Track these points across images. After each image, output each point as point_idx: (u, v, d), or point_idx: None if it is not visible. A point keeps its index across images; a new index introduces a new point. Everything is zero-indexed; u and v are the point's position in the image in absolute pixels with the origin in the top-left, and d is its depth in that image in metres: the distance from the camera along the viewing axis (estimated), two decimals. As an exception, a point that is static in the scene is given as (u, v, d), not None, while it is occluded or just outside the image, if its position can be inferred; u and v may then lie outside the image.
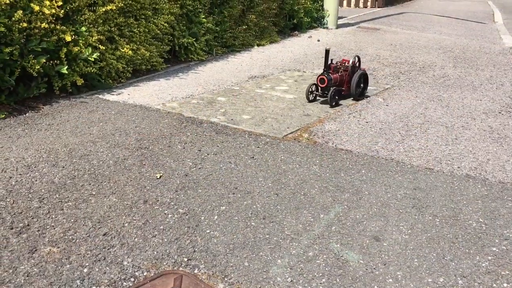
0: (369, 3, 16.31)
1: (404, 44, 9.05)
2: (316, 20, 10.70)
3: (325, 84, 4.89)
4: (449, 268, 2.44)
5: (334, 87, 4.95)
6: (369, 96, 5.40)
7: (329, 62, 5.13)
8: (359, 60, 5.30)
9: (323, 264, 2.43)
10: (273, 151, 3.78)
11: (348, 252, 2.54)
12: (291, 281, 2.30)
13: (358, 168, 3.53)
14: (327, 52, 5.04)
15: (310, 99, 5.07)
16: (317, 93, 5.09)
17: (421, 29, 11.33)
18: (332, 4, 10.62)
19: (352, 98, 5.24)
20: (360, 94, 5.28)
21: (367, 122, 4.53)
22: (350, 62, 5.18)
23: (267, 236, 2.65)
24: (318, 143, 3.98)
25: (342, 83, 5.12)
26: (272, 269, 2.39)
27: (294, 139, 4.06)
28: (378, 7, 16.24)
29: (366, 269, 2.42)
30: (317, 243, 2.61)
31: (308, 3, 10.23)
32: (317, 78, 4.94)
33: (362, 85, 5.27)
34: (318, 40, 9.04)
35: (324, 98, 5.11)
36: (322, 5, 10.76)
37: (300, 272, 2.37)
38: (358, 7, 16.14)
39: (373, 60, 7.49)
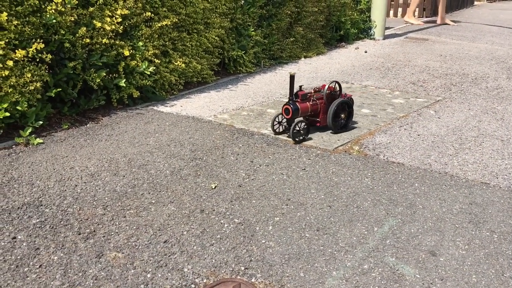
0: (416, 13, 16.07)
1: (454, 55, 8.87)
2: (363, 31, 10.65)
3: (290, 115, 4.22)
4: (508, 285, 2.40)
5: (301, 119, 4.29)
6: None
7: (298, 89, 4.38)
8: (339, 87, 4.49)
9: (379, 277, 2.44)
10: (324, 163, 3.81)
11: (404, 266, 2.54)
12: (347, 293, 2.33)
13: (411, 182, 3.52)
14: (291, 77, 4.20)
15: (277, 131, 4.39)
16: (285, 124, 4.39)
17: (472, 39, 11.07)
18: (380, 14, 10.55)
19: (331, 132, 4.48)
20: (342, 126, 4.50)
21: (418, 135, 4.49)
22: (325, 88, 4.39)
23: (322, 247, 2.69)
24: (369, 156, 3.98)
25: (316, 114, 4.42)
26: (327, 280, 2.42)
27: (345, 151, 4.08)
28: (426, 17, 15.96)
29: (423, 283, 2.41)
30: (372, 256, 2.62)
31: (355, 14, 10.22)
32: (282, 108, 4.27)
33: (342, 115, 4.46)
34: (366, 52, 9.01)
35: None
36: (369, 16, 10.71)
37: (356, 284, 2.39)
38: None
39: (422, 71, 7.39)
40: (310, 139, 4.29)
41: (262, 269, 2.50)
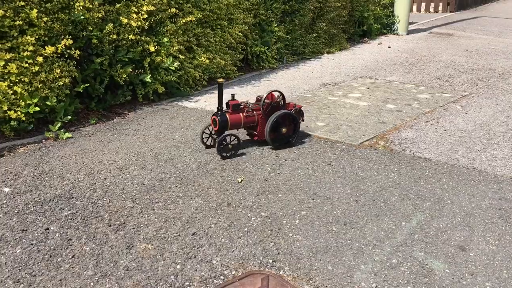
0: (440, 8, 15.82)
1: (480, 50, 8.72)
2: (386, 26, 10.54)
3: (217, 127, 3.75)
4: (542, 282, 2.36)
5: (231, 132, 3.75)
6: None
7: (231, 97, 3.87)
8: (282, 96, 3.94)
9: (408, 272, 2.43)
10: (349, 158, 3.80)
11: (433, 261, 2.52)
12: (376, 287, 2.33)
13: (439, 177, 3.48)
14: (220, 85, 3.69)
15: (207, 143, 3.92)
16: (216, 136, 3.86)
17: (498, 34, 10.85)
18: (403, 9, 10.43)
19: (272, 147, 3.95)
20: (285, 141, 3.96)
21: (445, 130, 4.43)
22: (263, 98, 3.83)
23: (349, 241, 2.69)
24: (395, 151, 3.95)
25: (254, 126, 3.93)
26: (356, 274, 2.42)
27: (370, 146, 4.05)
28: (450, 12, 15.70)
29: (453, 278, 2.39)
30: (400, 250, 2.61)
31: (378, 9, 10.12)
32: (211, 118, 3.81)
33: (284, 129, 3.89)
34: (389, 47, 8.91)
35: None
36: (393, 11, 10.59)
37: (384, 278, 2.38)
38: (429, 12, 15.69)
39: (448, 66, 7.28)
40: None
41: (290, 262, 2.51)
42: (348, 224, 2.85)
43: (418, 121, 4.69)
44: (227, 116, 3.73)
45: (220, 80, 3.68)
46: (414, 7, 15.60)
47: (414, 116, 4.86)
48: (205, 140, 3.91)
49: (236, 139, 3.76)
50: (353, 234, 2.76)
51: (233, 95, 3.90)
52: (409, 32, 10.65)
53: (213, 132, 3.88)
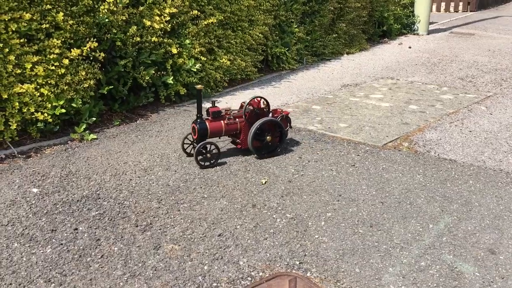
0: (460, 7, 15.62)
1: (503, 50, 8.58)
2: (406, 27, 10.45)
3: (196, 135, 3.59)
4: None
5: (209, 141, 3.59)
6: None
7: (212, 104, 3.73)
8: (267, 103, 3.78)
9: (437, 275, 2.40)
10: (373, 159, 3.77)
11: (462, 264, 2.49)
12: (405, 289, 2.31)
13: (465, 179, 3.43)
14: (198, 92, 3.51)
15: (189, 152, 3.77)
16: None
17: (521, 33, 10.67)
18: (423, 9, 10.32)
19: (255, 156, 3.76)
20: (271, 149, 3.79)
21: (470, 131, 4.38)
22: (246, 105, 3.66)
23: (376, 243, 2.67)
24: (419, 152, 3.91)
25: (237, 134, 3.77)
26: (384, 276, 2.40)
27: (394, 147, 4.02)
28: (471, 11, 15.49)
29: (483, 282, 2.36)
30: (428, 253, 2.58)
31: (398, 9, 10.04)
32: (191, 126, 3.67)
33: (268, 137, 3.70)
34: (410, 47, 8.83)
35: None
36: (413, 11, 10.49)
37: (413, 281, 2.36)
38: (449, 12, 15.50)
39: (470, 66, 7.18)
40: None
41: (317, 263, 2.50)
42: (375, 226, 2.83)
43: (442, 122, 4.64)
44: (207, 123, 3.58)
45: (199, 86, 3.51)
46: (434, 7, 15.43)
47: (437, 117, 4.80)
48: (186, 147, 3.77)
49: (215, 148, 3.60)
50: (379, 236, 2.74)
51: (213, 101, 3.76)
52: (429, 32, 10.54)
53: (194, 140, 3.68)
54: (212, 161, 3.61)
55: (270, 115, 3.83)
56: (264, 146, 3.76)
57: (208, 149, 3.57)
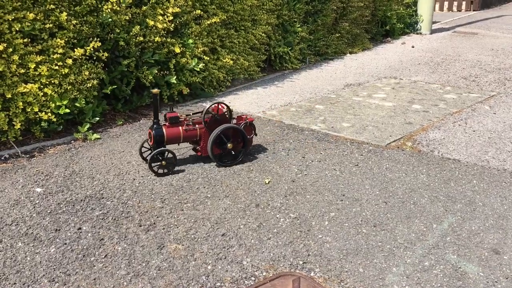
0: (463, 6, 15.58)
1: (506, 49, 8.56)
2: (409, 26, 10.43)
3: (152, 141, 3.46)
4: None
5: (166, 148, 3.45)
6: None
7: (169, 109, 3.62)
8: (228, 109, 3.63)
9: (441, 275, 2.40)
10: (377, 159, 3.77)
11: (467, 264, 2.48)
12: (409, 289, 2.30)
13: (469, 178, 3.43)
14: (154, 96, 3.40)
15: (145, 156, 3.63)
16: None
17: (525, 32, 10.64)
18: (427, 8, 10.30)
19: (216, 164, 3.62)
20: (233, 157, 3.64)
21: (474, 131, 4.36)
22: (205, 111, 3.51)
23: (380, 243, 2.66)
24: (423, 152, 3.90)
25: (197, 141, 3.64)
26: (388, 276, 2.40)
27: (398, 147, 4.01)
28: (474, 11, 15.45)
29: (487, 282, 2.35)
30: (432, 253, 2.57)
31: (401, 8, 10.02)
32: (148, 132, 3.56)
33: (229, 145, 3.55)
34: (413, 47, 8.81)
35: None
36: (416, 10, 10.47)
37: (417, 281, 2.36)
38: (452, 11, 15.46)
39: (474, 66, 7.17)
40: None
41: (320, 263, 2.50)
42: (378, 226, 2.83)
43: (445, 122, 4.63)
44: (164, 129, 3.44)
45: (155, 90, 3.39)
46: (437, 6, 15.39)
47: (441, 116, 4.79)
48: (144, 153, 3.63)
49: (172, 156, 3.46)
50: (383, 236, 2.73)
51: (171, 106, 3.68)
52: (432, 32, 10.52)
53: (151, 147, 3.53)
54: (168, 169, 3.46)
55: (235, 121, 3.72)
56: (226, 154, 3.62)
57: (164, 156, 3.43)
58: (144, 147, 3.63)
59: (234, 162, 3.65)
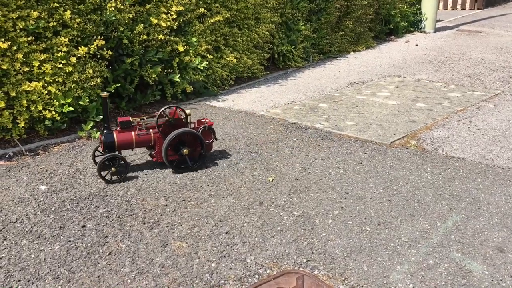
0: (467, 5, 15.53)
1: (510, 47, 8.52)
2: (413, 24, 10.40)
3: (102, 147, 3.32)
4: None
5: (117, 154, 3.29)
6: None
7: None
8: (184, 113, 3.48)
9: (445, 273, 2.39)
10: (381, 157, 3.76)
11: (471, 262, 2.47)
12: (413, 287, 2.30)
13: (473, 177, 3.41)
14: (104, 99, 3.24)
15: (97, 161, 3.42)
16: None
17: (529, 30, 10.59)
18: (431, 7, 10.27)
19: (172, 171, 3.47)
20: (193, 163, 3.48)
21: (478, 129, 4.35)
22: (158, 115, 3.38)
23: (384, 241, 2.66)
24: (427, 150, 3.89)
25: (152, 146, 3.49)
26: (392, 275, 2.39)
27: (402, 145, 4.00)
28: (478, 9, 15.39)
29: (492, 280, 2.34)
30: (436, 251, 2.57)
31: (405, 7, 9.99)
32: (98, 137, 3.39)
33: (185, 150, 3.38)
34: (417, 45, 8.79)
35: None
36: (419, 9, 10.44)
37: (421, 279, 2.35)
38: (456, 9, 15.41)
39: (478, 64, 7.14)
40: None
41: (324, 261, 2.49)
42: (382, 224, 2.82)
43: (450, 120, 4.62)
44: (114, 135, 3.29)
45: (104, 94, 3.24)
46: (441, 4, 15.34)
47: (445, 115, 4.78)
48: (97, 157, 3.48)
49: (123, 162, 3.30)
50: (387, 234, 2.73)
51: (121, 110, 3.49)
52: (436, 30, 10.49)
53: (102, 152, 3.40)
54: (118, 176, 3.30)
55: (193, 126, 3.57)
56: (182, 160, 3.44)
57: (115, 162, 3.26)
58: (98, 151, 3.48)
59: (193, 168, 3.48)
